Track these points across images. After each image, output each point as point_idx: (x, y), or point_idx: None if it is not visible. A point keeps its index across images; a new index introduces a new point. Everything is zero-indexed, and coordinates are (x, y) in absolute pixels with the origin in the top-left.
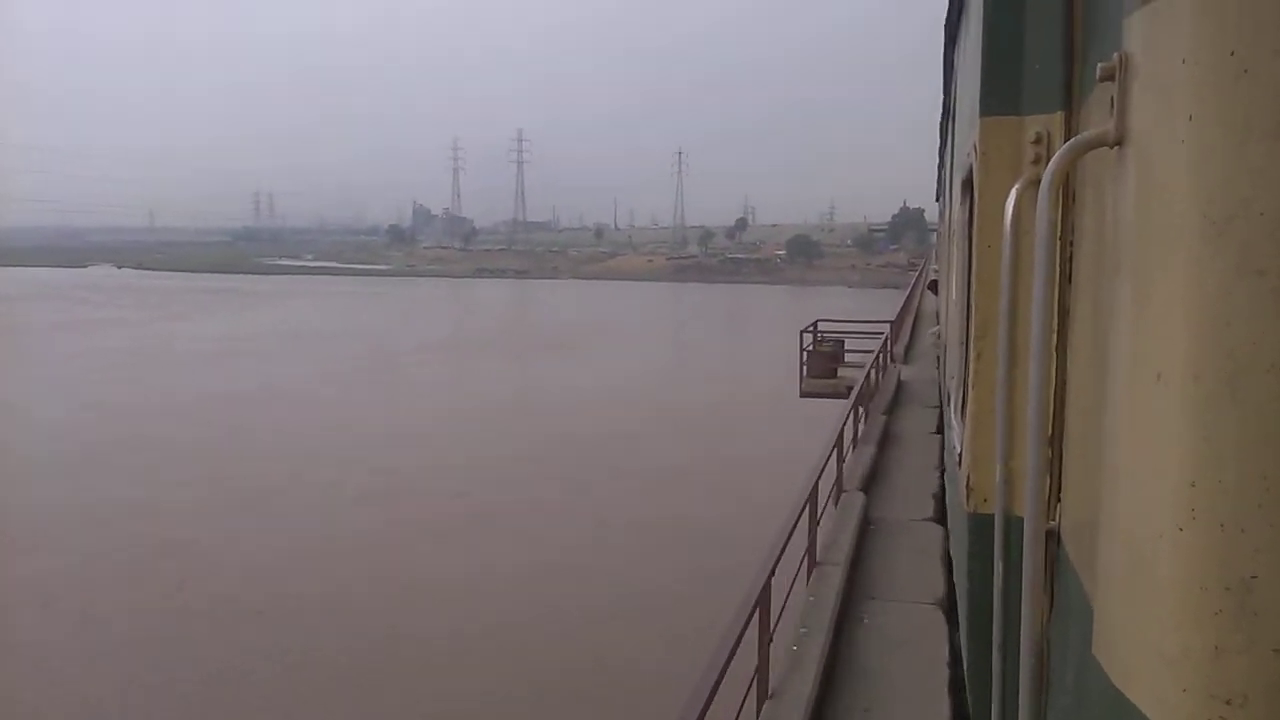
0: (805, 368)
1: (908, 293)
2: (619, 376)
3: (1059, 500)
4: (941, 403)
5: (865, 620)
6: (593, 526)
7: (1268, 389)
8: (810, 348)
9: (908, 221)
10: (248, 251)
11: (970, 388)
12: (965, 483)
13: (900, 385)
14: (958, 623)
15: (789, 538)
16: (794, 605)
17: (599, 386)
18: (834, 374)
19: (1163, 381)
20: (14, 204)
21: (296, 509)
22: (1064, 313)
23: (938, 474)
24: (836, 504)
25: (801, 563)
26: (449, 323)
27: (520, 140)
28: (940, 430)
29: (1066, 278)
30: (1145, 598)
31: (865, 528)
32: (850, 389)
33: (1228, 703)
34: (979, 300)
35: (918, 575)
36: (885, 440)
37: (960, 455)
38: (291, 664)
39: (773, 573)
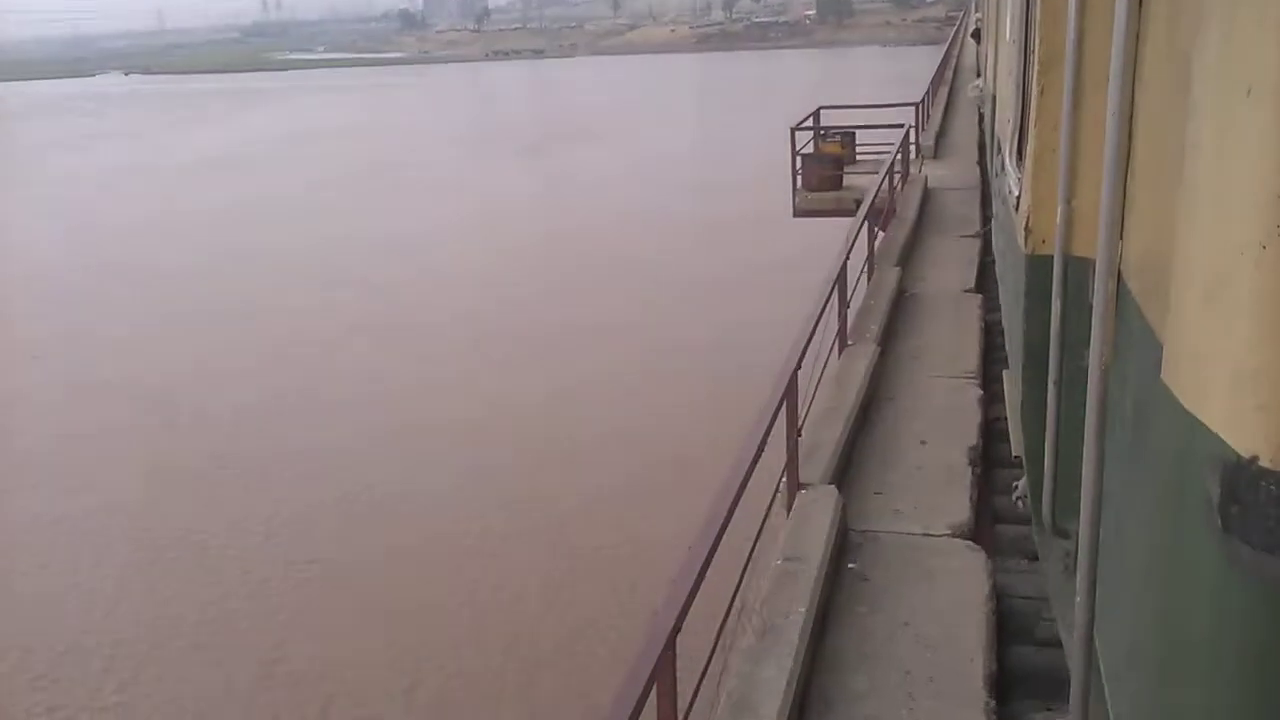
0: (799, 177)
1: (945, 50)
2: (618, 187)
3: (1121, 239)
4: (990, 153)
5: None
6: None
7: None
8: (807, 149)
9: None
10: (259, 47)
11: (1032, 127)
12: (1024, 225)
13: (926, 199)
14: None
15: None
16: None
17: (598, 201)
18: (839, 183)
19: (1253, 96)
20: (20, 15)
21: (285, 345)
22: (1134, 41)
23: (978, 400)
24: (789, 511)
25: None
26: (445, 119)
27: None
28: (979, 288)
29: (1138, 4)
30: (1223, 318)
31: (832, 587)
32: (859, 203)
33: None
34: (1044, 33)
35: None
36: (894, 322)
37: (1018, 198)
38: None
39: None
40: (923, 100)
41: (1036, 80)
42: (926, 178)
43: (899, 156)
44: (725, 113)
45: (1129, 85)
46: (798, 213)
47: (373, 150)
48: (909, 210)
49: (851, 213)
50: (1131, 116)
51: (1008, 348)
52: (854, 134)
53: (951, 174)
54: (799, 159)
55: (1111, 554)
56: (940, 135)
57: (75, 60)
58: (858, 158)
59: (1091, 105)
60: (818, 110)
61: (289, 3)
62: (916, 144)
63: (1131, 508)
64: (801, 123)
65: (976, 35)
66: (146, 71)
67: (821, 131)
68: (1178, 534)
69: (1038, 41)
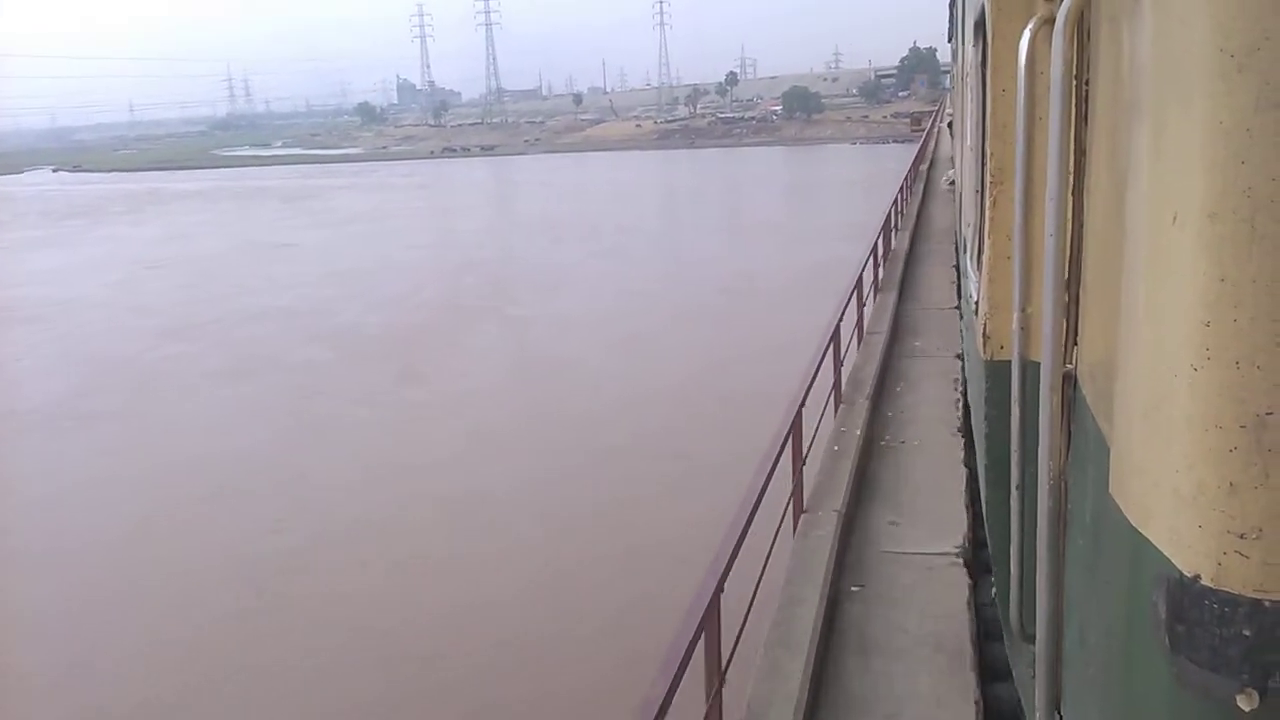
0: None
1: (915, 154)
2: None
3: (1075, 344)
4: (958, 251)
5: None
6: None
7: None
8: None
9: (919, 64)
10: (219, 141)
11: (986, 235)
12: (982, 330)
13: None
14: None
15: None
16: None
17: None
18: None
19: (1179, 223)
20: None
21: None
22: (1081, 154)
23: None
24: None
25: None
26: (332, 252)
27: None
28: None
29: (1083, 118)
30: (1161, 437)
31: None
32: None
33: (1242, 537)
34: (994, 146)
35: None
36: None
37: (977, 304)
38: None
39: None
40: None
41: (989, 191)
42: None
43: None
44: (663, 239)
45: (1066, 200)
46: None
47: (187, 301)
48: None
49: None
50: (1081, 228)
51: (975, 449)
52: None
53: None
54: None
55: (1075, 665)
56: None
57: (19, 154)
58: None
59: (1041, 217)
60: None
61: (265, 95)
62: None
63: (1092, 619)
64: None
65: (950, 127)
66: (76, 169)
67: None
68: (1131, 650)
69: (988, 154)
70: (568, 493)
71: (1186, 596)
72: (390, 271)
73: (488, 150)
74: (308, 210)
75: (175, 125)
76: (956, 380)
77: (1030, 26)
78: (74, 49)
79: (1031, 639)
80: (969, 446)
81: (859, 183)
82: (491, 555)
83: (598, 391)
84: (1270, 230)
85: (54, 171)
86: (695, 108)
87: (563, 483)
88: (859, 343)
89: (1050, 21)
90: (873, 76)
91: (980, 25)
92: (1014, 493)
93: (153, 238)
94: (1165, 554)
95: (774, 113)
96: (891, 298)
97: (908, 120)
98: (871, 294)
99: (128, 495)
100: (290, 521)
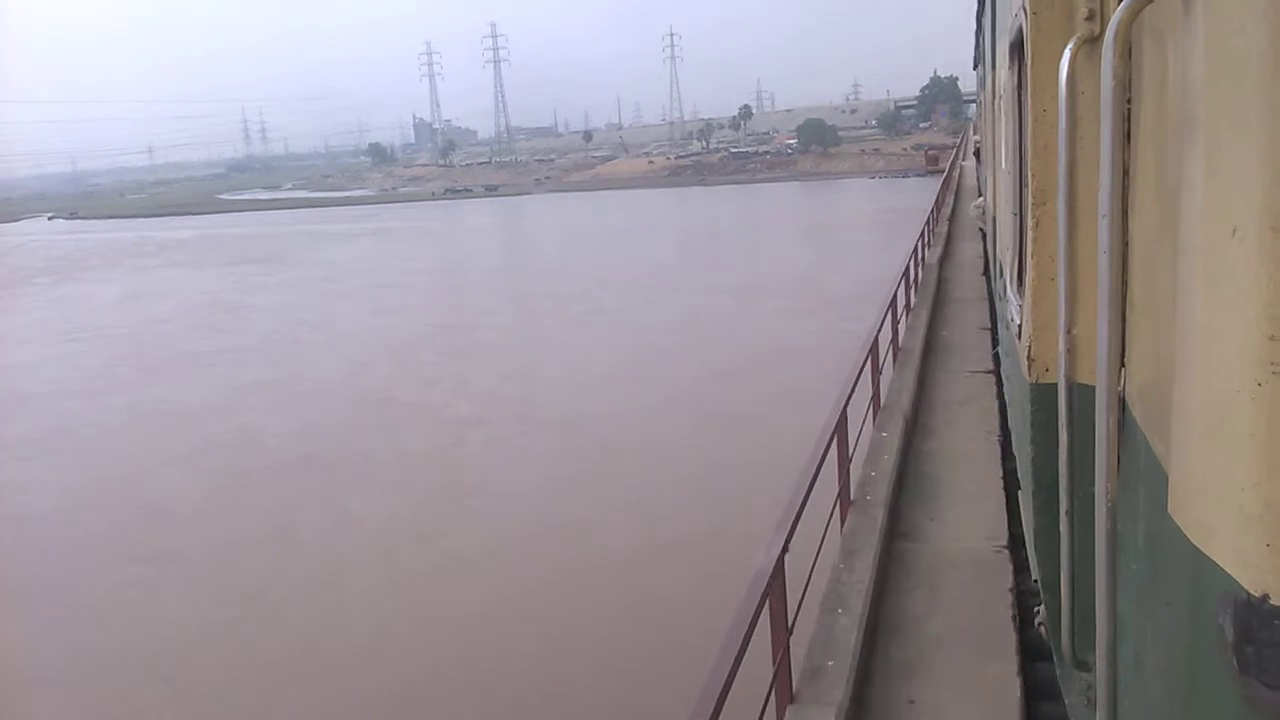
0: None
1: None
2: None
3: (1123, 365)
4: (993, 274)
5: None
6: None
7: None
8: None
9: (940, 93)
10: (240, 183)
11: (1029, 257)
12: (1026, 354)
13: None
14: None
15: None
16: None
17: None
18: None
19: (1239, 236)
20: (19, 157)
21: None
22: (1124, 173)
23: None
24: None
25: None
26: (264, 342)
27: (494, 35)
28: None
29: (1125, 137)
30: (1225, 455)
31: None
32: None
33: None
34: (1035, 167)
35: None
36: None
37: (1020, 327)
38: None
39: None
40: None
41: (1031, 212)
42: None
43: None
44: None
45: (1119, 219)
46: None
47: (77, 392)
48: None
49: None
50: (1126, 247)
51: (1019, 472)
52: None
53: None
54: None
55: (1131, 692)
56: None
57: (8, 202)
58: None
59: (1087, 235)
60: None
61: (284, 135)
62: None
63: (1149, 643)
64: None
65: (978, 154)
66: (72, 216)
67: None
68: (1194, 673)
69: (1030, 175)
70: None
71: (1255, 616)
72: (336, 347)
73: (491, 190)
74: (288, 262)
75: (197, 168)
76: None
77: (1070, 46)
78: (94, 93)
79: (1084, 666)
80: (1010, 468)
81: (877, 226)
82: None
83: (519, 589)
84: None
85: (49, 219)
86: (708, 143)
87: None
88: None
89: (1090, 41)
90: (892, 107)
91: (1016, 47)
92: (1063, 518)
93: (106, 299)
94: (1231, 574)
95: (789, 146)
96: None
97: (931, 150)
98: None
99: None
100: None
